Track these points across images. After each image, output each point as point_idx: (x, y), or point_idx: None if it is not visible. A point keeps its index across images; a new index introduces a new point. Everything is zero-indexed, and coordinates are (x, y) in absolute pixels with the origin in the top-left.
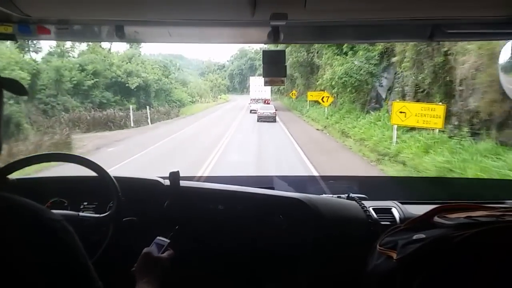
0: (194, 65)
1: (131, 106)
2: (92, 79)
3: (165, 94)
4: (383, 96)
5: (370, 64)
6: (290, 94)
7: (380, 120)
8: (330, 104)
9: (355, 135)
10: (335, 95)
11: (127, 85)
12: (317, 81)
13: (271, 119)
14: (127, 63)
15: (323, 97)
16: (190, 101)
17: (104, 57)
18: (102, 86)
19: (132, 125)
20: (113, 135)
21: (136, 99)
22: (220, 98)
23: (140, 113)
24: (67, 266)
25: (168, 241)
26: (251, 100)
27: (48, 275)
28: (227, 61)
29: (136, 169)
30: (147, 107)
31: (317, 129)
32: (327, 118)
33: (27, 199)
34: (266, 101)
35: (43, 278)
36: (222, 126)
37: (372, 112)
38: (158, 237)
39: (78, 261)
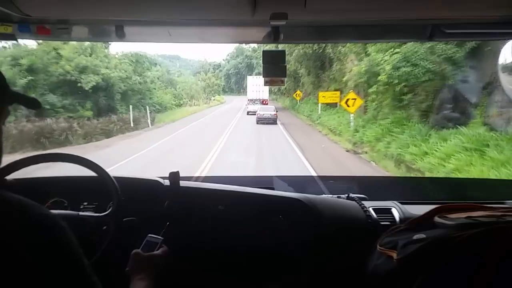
0: (191, 65)
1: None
2: (26, 77)
3: (138, 97)
4: (472, 100)
5: (447, 44)
6: (294, 95)
7: (487, 146)
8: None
9: (434, 170)
10: (362, 95)
11: (79, 84)
12: (342, 77)
13: (271, 120)
14: (80, 55)
15: (347, 100)
16: (175, 104)
17: (55, 49)
18: (43, 86)
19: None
20: None
21: (94, 103)
22: (214, 99)
23: (96, 123)
24: (61, 262)
25: (161, 238)
26: (248, 100)
27: (42, 271)
28: (223, 60)
29: None
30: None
31: (347, 150)
32: (357, 131)
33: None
34: (264, 102)
35: (38, 274)
36: (205, 143)
37: (461, 128)
38: (149, 235)
39: (72, 257)
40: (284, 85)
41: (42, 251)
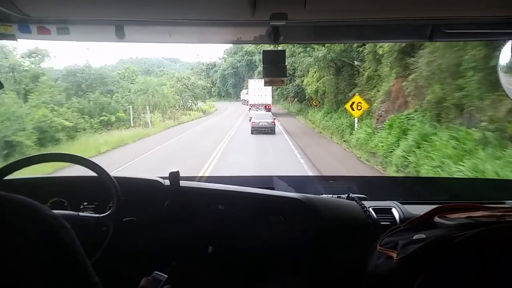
0: (191, 68)
1: None
2: None
3: None
4: None
5: None
6: (349, 107)
7: None
8: None
9: None
10: None
11: None
12: None
13: (268, 129)
14: None
15: None
16: (78, 128)
17: None
18: None
19: None
20: None
21: None
22: (197, 108)
23: None
24: (64, 262)
25: (166, 276)
26: (250, 105)
27: (45, 271)
28: (219, 58)
29: None
30: None
31: None
32: None
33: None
34: (267, 107)
35: (41, 275)
36: None
37: None
38: (155, 272)
39: (75, 257)
40: (283, 85)
41: (46, 251)
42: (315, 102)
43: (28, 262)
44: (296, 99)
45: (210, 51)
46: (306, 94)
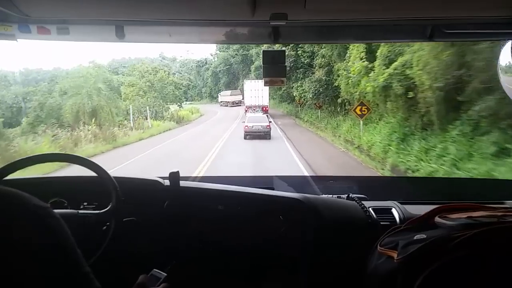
0: (186, 65)
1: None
2: None
3: None
4: None
5: None
6: None
7: None
8: None
9: None
10: None
11: None
12: None
13: (263, 133)
14: None
15: None
16: None
17: None
18: None
19: None
20: None
21: None
22: (164, 119)
23: None
24: (54, 251)
25: (165, 274)
26: (246, 107)
27: (36, 260)
28: (211, 54)
29: None
30: None
31: None
32: None
33: None
34: (264, 108)
35: (29, 263)
36: None
37: None
38: (154, 269)
39: (65, 247)
40: (284, 85)
41: (36, 241)
42: (360, 110)
43: (16, 250)
44: (313, 103)
45: (202, 47)
46: (341, 93)
